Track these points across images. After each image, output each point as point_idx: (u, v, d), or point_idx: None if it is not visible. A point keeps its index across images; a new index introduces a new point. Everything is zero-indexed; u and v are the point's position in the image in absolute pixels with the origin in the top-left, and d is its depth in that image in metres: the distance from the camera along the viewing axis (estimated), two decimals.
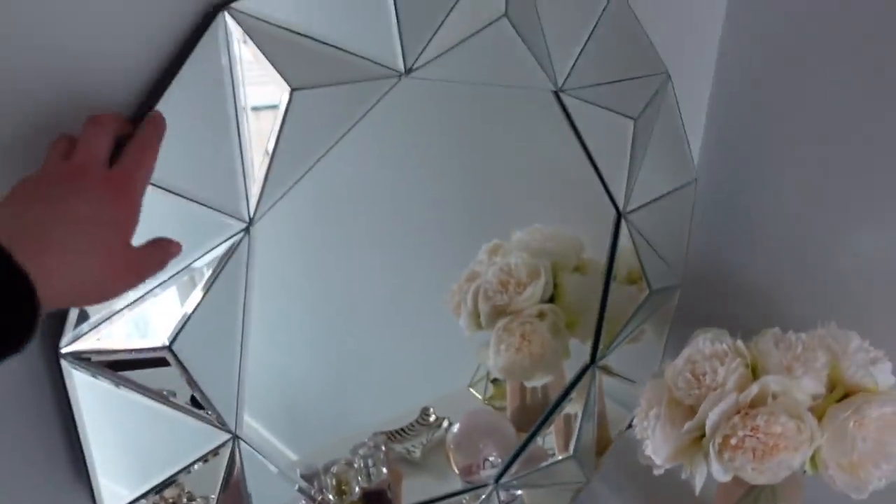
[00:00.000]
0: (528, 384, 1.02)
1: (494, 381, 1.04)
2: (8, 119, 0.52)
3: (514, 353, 0.95)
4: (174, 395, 0.63)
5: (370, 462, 0.85)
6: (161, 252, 0.53)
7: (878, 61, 0.80)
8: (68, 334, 0.56)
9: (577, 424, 0.95)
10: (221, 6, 0.56)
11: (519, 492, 0.97)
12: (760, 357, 0.79)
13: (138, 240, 0.51)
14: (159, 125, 0.54)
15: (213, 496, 0.67)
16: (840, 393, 0.77)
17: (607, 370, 0.96)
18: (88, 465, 0.60)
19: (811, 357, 0.77)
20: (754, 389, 0.76)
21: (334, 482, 0.83)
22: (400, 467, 0.94)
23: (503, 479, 0.91)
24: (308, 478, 0.82)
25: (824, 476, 0.76)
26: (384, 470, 0.87)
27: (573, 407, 0.98)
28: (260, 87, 0.60)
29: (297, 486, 0.77)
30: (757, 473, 0.75)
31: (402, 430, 0.98)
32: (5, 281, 0.40)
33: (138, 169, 0.51)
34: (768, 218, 0.95)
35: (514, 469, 0.92)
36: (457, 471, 0.96)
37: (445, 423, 0.99)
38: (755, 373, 0.78)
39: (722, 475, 0.77)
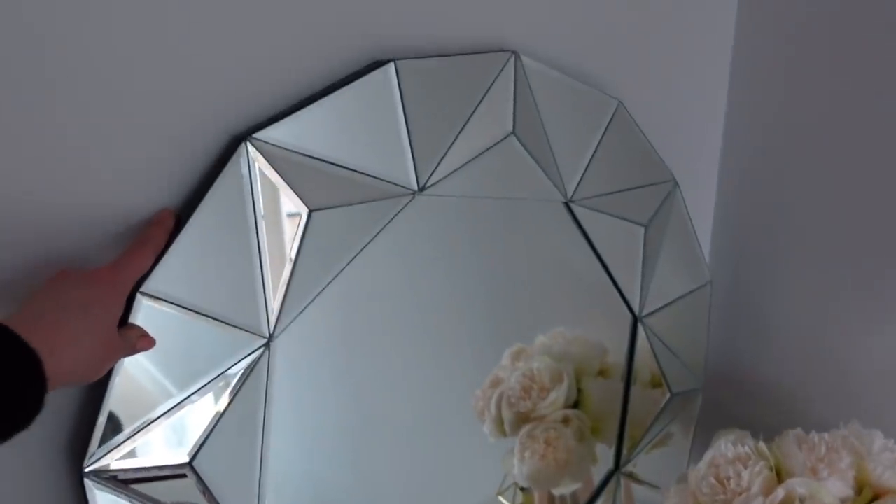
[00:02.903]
0: (556, 492, 1.01)
1: (523, 489, 1.03)
2: (38, 251, 0.56)
3: (539, 461, 0.95)
4: None
5: None
6: (134, 332, 0.57)
7: (881, 151, 0.82)
8: (92, 453, 0.58)
9: None
10: (243, 137, 0.60)
11: None
12: (784, 459, 0.78)
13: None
14: (164, 223, 0.58)
15: None
16: (868, 496, 0.75)
17: (632, 477, 0.95)
18: None
19: (835, 458, 0.76)
20: (780, 494, 0.74)
21: None
22: None
23: None
24: None
25: None
26: None
27: None
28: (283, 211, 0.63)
29: None
30: None
31: None
32: (15, 360, 0.44)
33: (131, 267, 0.56)
34: (784, 317, 0.96)
35: None
36: None
37: None
38: (779, 475, 0.77)
39: None
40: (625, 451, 0.94)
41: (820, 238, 0.90)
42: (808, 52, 0.87)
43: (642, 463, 0.99)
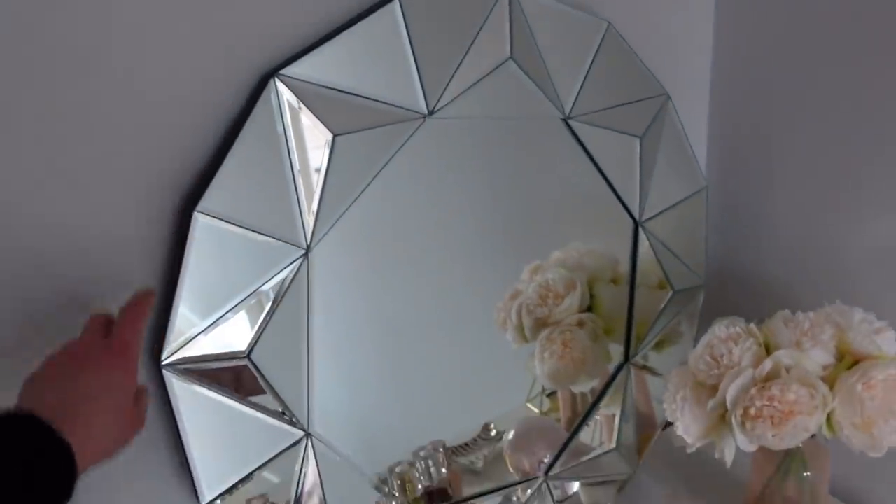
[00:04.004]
0: (575, 389, 1.10)
1: (550, 395, 1.13)
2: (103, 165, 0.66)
3: (558, 361, 1.04)
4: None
5: (430, 463, 0.95)
6: (144, 401, 0.64)
7: (867, 59, 0.89)
8: (167, 347, 0.69)
9: (617, 419, 1.03)
10: (272, 74, 0.69)
11: (574, 489, 1.06)
12: (772, 336, 0.87)
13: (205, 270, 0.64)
14: (149, 297, 0.64)
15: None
16: (849, 362, 0.84)
17: (642, 367, 1.04)
18: (189, 460, 0.72)
19: (818, 331, 0.85)
20: (768, 364, 0.84)
21: (398, 481, 0.93)
22: (463, 477, 1.03)
23: (552, 472, 1.00)
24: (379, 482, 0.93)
25: (841, 437, 0.83)
26: (444, 470, 0.96)
27: (615, 406, 1.06)
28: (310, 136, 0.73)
29: (368, 480, 0.87)
30: (778, 440, 0.82)
31: (465, 444, 1.07)
32: (49, 452, 0.49)
33: (133, 339, 0.61)
34: (776, 215, 1.04)
35: (561, 462, 1.00)
36: (514, 472, 1.05)
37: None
38: (768, 351, 0.86)
39: (747, 445, 0.84)
40: (633, 345, 1.04)
41: (807, 140, 0.98)
42: None
43: (654, 360, 1.09)
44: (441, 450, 0.97)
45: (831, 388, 0.83)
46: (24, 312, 0.64)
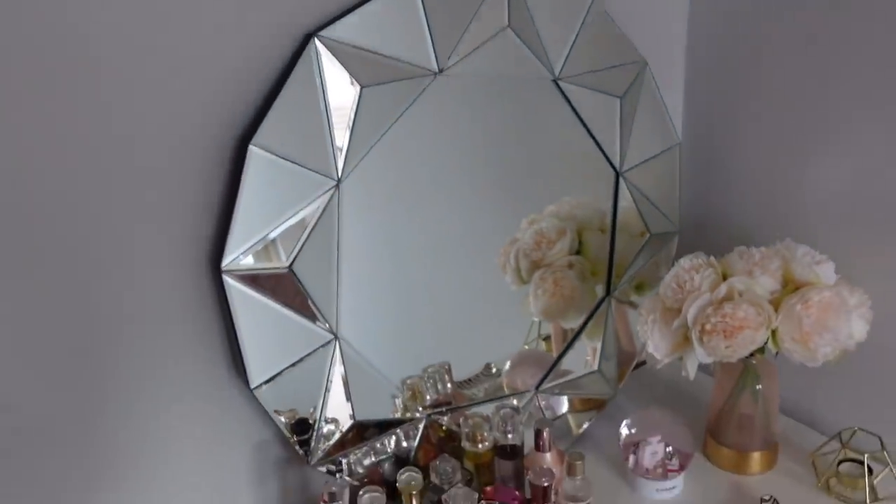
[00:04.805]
0: (564, 325, 1.25)
1: (545, 339, 1.28)
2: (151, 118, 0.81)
3: (550, 297, 1.19)
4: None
5: (437, 377, 1.11)
6: None
7: (830, 23, 1.03)
8: (226, 257, 0.85)
9: (599, 346, 1.19)
10: (312, 34, 0.85)
11: (563, 410, 1.21)
12: (729, 267, 1.02)
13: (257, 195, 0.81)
14: None
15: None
16: (792, 288, 1.00)
17: (620, 300, 1.20)
18: (242, 350, 0.87)
19: (767, 262, 1.00)
20: (723, 289, 0.99)
21: (409, 392, 1.08)
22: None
23: (542, 387, 1.15)
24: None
25: (784, 351, 0.99)
26: (448, 385, 1.12)
27: (598, 338, 1.22)
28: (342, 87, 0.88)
29: (390, 382, 1.02)
30: (731, 351, 0.97)
31: (468, 380, 1.21)
32: None
33: None
34: (741, 168, 1.19)
35: (549, 381, 1.16)
36: (509, 392, 1.20)
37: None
38: (725, 279, 1.01)
39: (704, 357, 1.00)
40: (613, 282, 1.19)
41: (767, 104, 1.13)
42: None
43: (636, 301, 1.23)
44: (447, 368, 1.13)
45: (776, 309, 0.98)
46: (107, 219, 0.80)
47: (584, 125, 1.10)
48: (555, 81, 1.05)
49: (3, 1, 0.68)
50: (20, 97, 0.71)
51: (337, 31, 0.86)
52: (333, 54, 0.86)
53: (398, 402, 1.05)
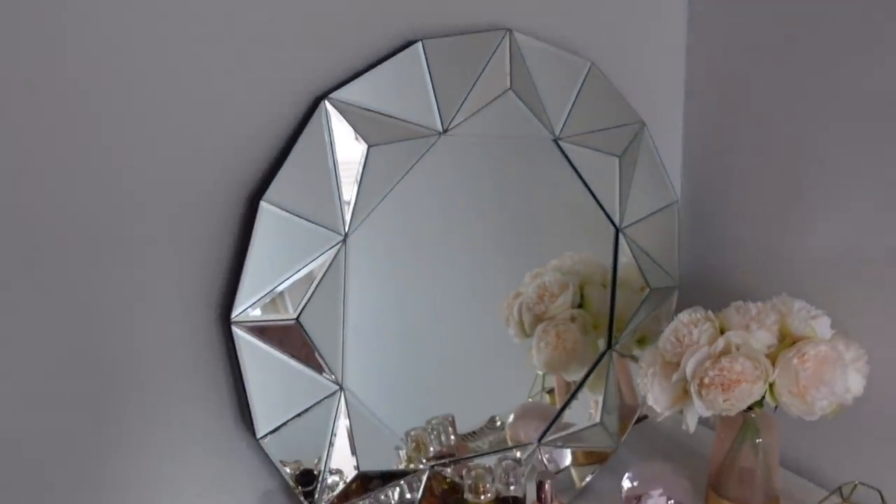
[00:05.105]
0: (567, 377, 1.27)
1: (549, 392, 1.29)
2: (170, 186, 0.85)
3: (553, 350, 1.21)
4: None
5: (440, 429, 1.12)
6: None
7: (820, 90, 1.07)
8: (235, 309, 0.87)
9: (601, 399, 1.21)
10: (322, 97, 0.89)
11: (566, 462, 1.22)
12: (726, 321, 1.04)
13: (266, 249, 0.85)
14: None
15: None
16: (789, 342, 1.01)
17: (625, 355, 1.22)
18: (249, 400, 0.90)
19: (764, 317, 1.02)
20: (721, 343, 1.01)
21: (413, 444, 1.10)
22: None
23: (544, 440, 1.17)
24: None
25: (781, 404, 1.00)
26: (452, 437, 1.13)
27: (600, 392, 1.23)
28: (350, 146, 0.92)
29: (394, 433, 1.04)
30: (728, 404, 0.99)
31: (473, 432, 1.23)
32: None
33: None
34: (738, 226, 1.22)
35: (552, 433, 1.17)
36: (512, 444, 1.21)
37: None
38: (722, 333, 1.03)
39: (704, 410, 1.01)
40: (614, 335, 1.21)
41: (762, 165, 1.17)
42: (759, 20, 1.14)
43: (638, 354, 1.25)
44: (450, 420, 1.14)
45: (773, 363, 1.00)
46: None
47: (585, 183, 1.14)
48: (555, 141, 1.09)
49: (24, 67, 0.73)
50: (32, 160, 0.76)
51: (346, 93, 0.90)
52: (342, 115, 0.90)
53: (402, 453, 1.06)
